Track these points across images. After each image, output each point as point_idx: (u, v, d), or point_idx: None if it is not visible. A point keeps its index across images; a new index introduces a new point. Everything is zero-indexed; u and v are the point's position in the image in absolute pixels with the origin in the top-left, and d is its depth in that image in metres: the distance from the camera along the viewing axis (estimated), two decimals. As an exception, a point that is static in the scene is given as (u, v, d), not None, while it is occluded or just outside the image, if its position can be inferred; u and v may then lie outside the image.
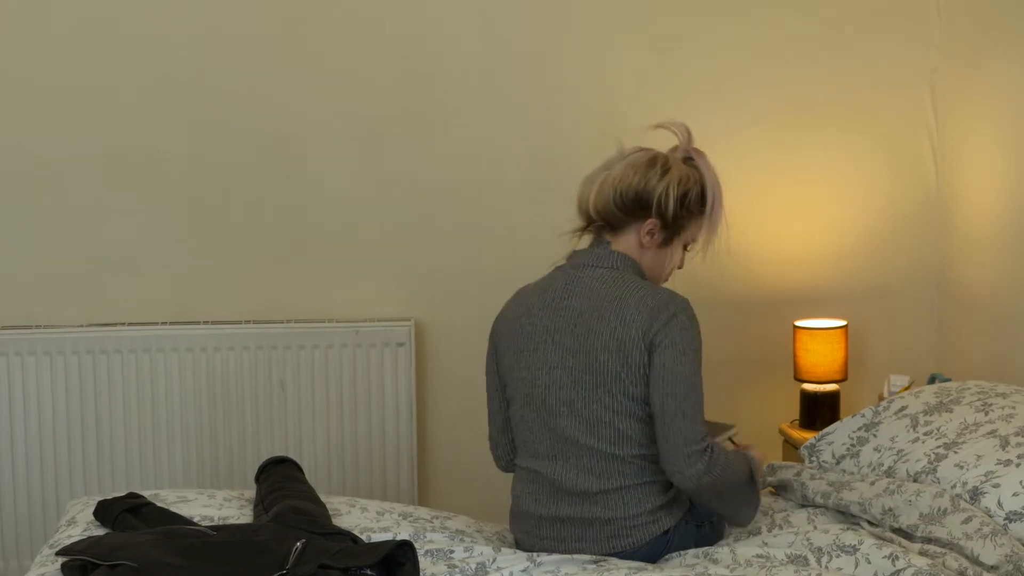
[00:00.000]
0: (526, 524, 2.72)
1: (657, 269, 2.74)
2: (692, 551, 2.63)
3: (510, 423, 2.81)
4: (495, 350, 2.84)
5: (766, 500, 2.98)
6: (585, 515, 2.63)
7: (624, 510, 2.61)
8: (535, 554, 2.58)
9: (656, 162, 2.69)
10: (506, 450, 2.86)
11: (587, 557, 2.59)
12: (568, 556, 2.58)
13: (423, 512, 2.92)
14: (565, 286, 2.69)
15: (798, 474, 3.00)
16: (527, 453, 2.73)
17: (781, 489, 3.00)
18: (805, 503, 2.90)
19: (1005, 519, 2.56)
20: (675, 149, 2.76)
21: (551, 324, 2.67)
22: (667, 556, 2.66)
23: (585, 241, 2.76)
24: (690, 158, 2.73)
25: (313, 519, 2.61)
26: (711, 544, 2.71)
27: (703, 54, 3.89)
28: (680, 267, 2.78)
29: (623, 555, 2.63)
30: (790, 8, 3.90)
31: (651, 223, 2.66)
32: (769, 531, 2.76)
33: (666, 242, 2.70)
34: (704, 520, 2.72)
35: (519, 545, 2.76)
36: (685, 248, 2.76)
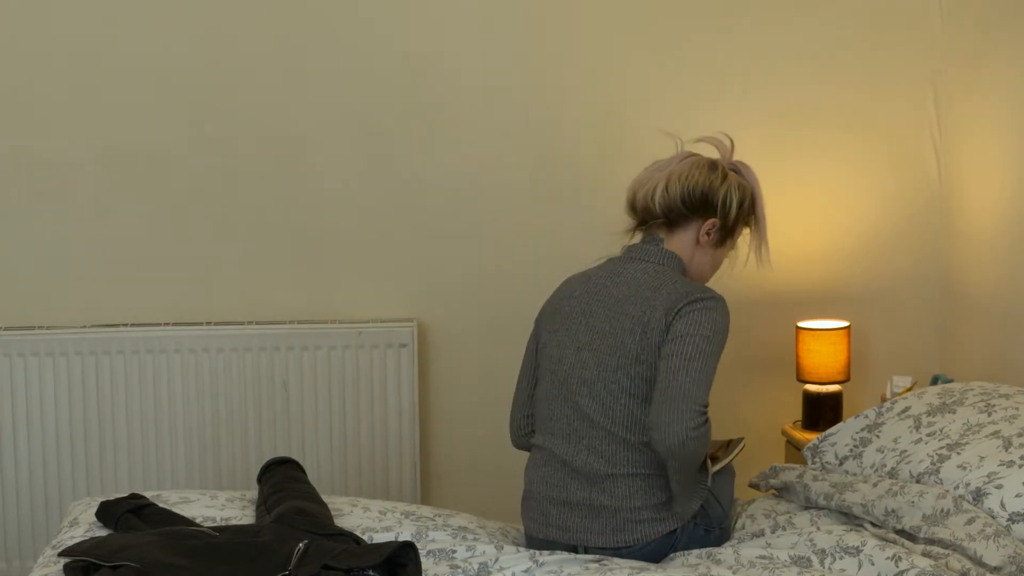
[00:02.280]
0: (535, 509, 2.75)
1: (706, 268, 2.85)
2: (696, 551, 2.64)
3: (532, 400, 2.87)
4: (536, 330, 2.90)
5: (769, 502, 2.98)
6: (592, 502, 2.65)
7: (630, 500, 2.63)
8: (537, 553, 2.58)
9: (716, 166, 2.81)
10: (520, 425, 2.90)
11: (589, 556, 2.60)
12: (571, 555, 2.58)
13: (425, 511, 2.92)
14: (609, 275, 2.79)
15: (800, 476, 2.99)
16: (544, 431, 2.78)
17: (783, 491, 3.00)
18: (808, 505, 2.90)
19: (1008, 520, 2.56)
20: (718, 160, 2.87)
21: (588, 308, 2.75)
22: (671, 556, 2.66)
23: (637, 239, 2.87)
24: (736, 170, 2.85)
25: (315, 520, 2.61)
26: (718, 525, 2.74)
27: (704, 54, 3.89)
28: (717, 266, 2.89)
29: (628, 552, 2.64)
30: (791, 9, 3.90)
31: (712, 222, 2.79)
32: (772, 532, 2.77)
33: (720, 243, 2.83)
34: (715, 526, 2.74)
35: (527, 533, 2.77)
36: (730, 250, 2.90)
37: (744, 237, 2.89)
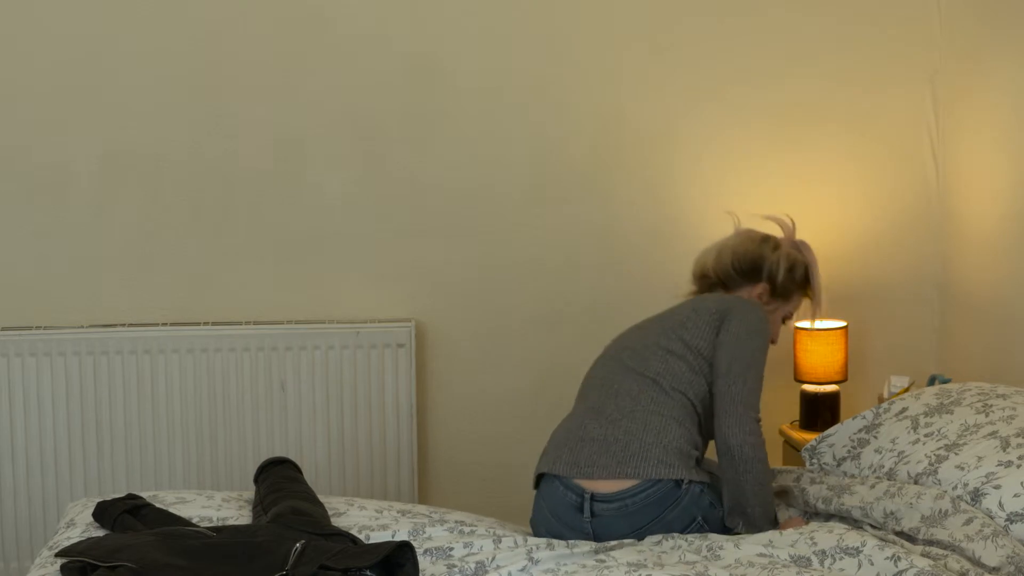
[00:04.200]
0: (550, 452, 2.87)
1: None
2: (695, 545, 2.63)
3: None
4: None
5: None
6: (607, 436, 2.79)
7: (643, 434, 2.77)
8: (534, 550, 2.59)
9: (769, 239, 3.17)
10: None
11: (587, 548, 2.60)
12: (568, 551, 2.59)
13: (421, 508, 2.92)
14: (675, 304, 3.12)
15: (798, 479, 3.00)
16: (580, 393, 3.01)
17: (782, 495, 3.00)
18: (807, 510, 2.90)
19: (1006, 520, 2.56)
20: (781, 238, 3.22)
21: (652, 318, 3.09)
22: (668, 545, 2.65)
23: None
24: (796, 247, 3.19)
25: (313, 520, 2.61)
26: (719, 530, 2.77)
27: (703, 54, 3.89)
28: (774, 342, 3.11)
29: (631, 495, 2.70)
30: (791, 8, 3.90)
31: (762, 287, 3.10)
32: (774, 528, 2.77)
33: (770, 310, 3.10)
34: (719, 504, 2.79)
35: (539, 471, 2.87)
36: (784, 321, 3.17)
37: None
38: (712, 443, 2.91)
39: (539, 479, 2.90)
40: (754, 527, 2.76)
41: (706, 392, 2.88)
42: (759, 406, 2.85)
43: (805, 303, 3.24)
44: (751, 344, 2.88)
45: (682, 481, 2.74)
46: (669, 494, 2.73)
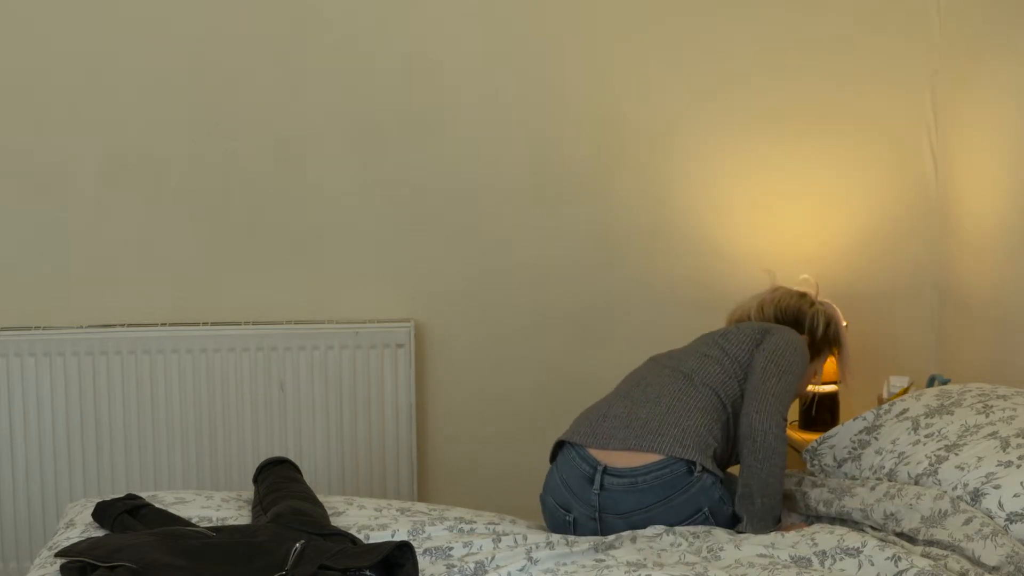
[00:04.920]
0: (572, 426, 2.94)
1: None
2: (696, 546, 2.63)
3: None
4: None
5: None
6: (630, 414, 2.86)
7: (664, 415, 2.83)
8: (533, 550, 2.59)
9: (806, 296, 3.30)
10: None
11: (586, 545, 2.60)
12: (567, 551, 2.59)
13: (421, 507, 2.93)
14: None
15: (799, 483, 3.00)
16: (616, 392, 3.04)
17: (784, 500, 3.00)
18: (808, 512, 2.90)
19: (1006, 520, 2.56)
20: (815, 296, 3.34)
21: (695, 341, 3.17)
22: (668, 542, 2.65)
23: None
24: (825, 306, 3.29)
25: (312, 520, 2.61)
26: (726, 524, 2.79)
27: (703, 54, 3.89)
28: (803, 395, 3.37)
29: (643, 473, 2.74)
30: (790, 9, 3.90)
31: (804, 339, 3.12)
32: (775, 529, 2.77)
33: (809, 360, 3.13)
34: (729, 501, 2.81)
35: (560, 439, 2.93)
36: (814, 377, 3.29)
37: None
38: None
39: (556, 450, 2.95)
40: (756, 521, 2.77)
41: (738, 395, 2.93)
42: (787, 413, 2.90)
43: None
44: (789, 357, 2.97)
45: (694, 466, 2.76)
46: (680, 478, 2.76)
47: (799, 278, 3.50)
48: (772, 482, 2.80)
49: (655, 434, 2.81)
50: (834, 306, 3.32)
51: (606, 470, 2.80)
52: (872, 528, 2.72)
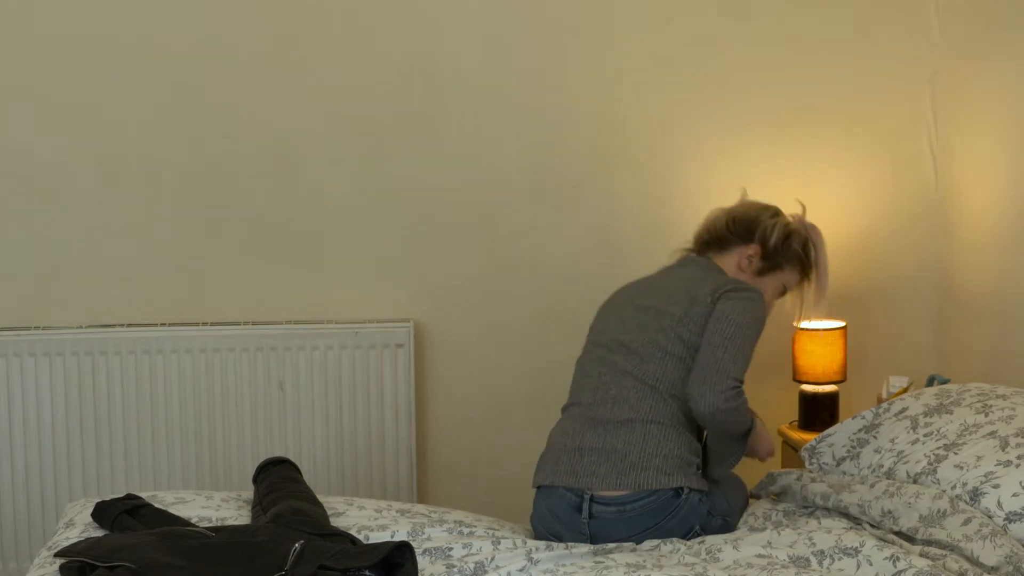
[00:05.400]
0: (548, 460, 2.88)
1: None
2: (695, 548, 2.63)
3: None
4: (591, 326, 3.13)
5: (769, 503, 2.98)
6: (605, 446, 2.79)
7: (643, 446, 2.77)
8: (533, 551, 2.59)
9: (771, 208, 3.13)
10: None
11: (586, 550, 2.60)
12: (566, 552, 2.59)
13: (421, 508, 2.93)
14: (660, 273, 3.11)
15: (798, 478, 3.00)
16: (575, 390, 2.95)
17: (782, 495, 3.00)
18: (806, 504, 2.90)
19: (1005, 520, 2.56)
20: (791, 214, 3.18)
21: (636, 292, 3.06)
22: (667, 548, 2.65)
23: None
24: (802, 224, 3.14)
25: (312, 520, 2.61)
26: (717, 533, 2.78)
27: (703, 54, 3.89)
28: (766, 313, 3.05)
29: (631, 501, 2.71)
30: (790, 9, 3.90)
31: (753, 248, 3.06)
32: (774, 529, 2.77)
33: (761, 273, 3.07)
34: (718, 513, 2.81)
35: (537, 483, 2.88)
36: (781, 294, 3.13)
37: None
38: None
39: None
40: (721, 471, 2.90)
41: None
42: (741, 375, 2.82)
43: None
44: (736, 319, 2.84)
45: (682, 490, 2.75)
46: (668, 503, 2.75)
47: (793, 198, 3.29)
48: (731, 446, 2.89)
49: (638, 469, 2.76)
50: (816, 229, 3.15)
51: (593, 498, 2.78)
52: (870, 524, 2.72)
